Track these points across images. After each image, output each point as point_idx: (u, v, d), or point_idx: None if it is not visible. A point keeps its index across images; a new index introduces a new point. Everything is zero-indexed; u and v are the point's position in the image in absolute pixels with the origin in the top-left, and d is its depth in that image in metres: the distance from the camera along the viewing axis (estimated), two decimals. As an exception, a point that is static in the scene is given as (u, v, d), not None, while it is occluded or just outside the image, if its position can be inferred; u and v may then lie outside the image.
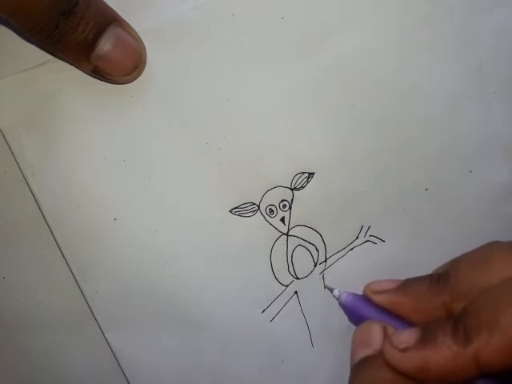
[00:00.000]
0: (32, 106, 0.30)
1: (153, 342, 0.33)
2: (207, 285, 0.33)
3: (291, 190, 0.33)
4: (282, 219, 0.33)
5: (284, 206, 0.33)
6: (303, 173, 0.32)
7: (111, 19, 0.28)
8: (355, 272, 0.34)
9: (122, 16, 0.29)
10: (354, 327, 0.33)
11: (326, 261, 0.34)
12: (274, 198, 0.33)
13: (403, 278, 0.34)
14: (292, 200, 0.33)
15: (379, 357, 0.27)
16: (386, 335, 0.27)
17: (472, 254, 0.28)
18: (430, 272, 0.30)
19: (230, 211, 0.32)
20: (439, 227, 0.33)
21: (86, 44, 0.28)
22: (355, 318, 0.30)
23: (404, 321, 0.28)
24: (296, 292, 0.34)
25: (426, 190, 0.33)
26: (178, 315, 0.33)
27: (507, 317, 0.23)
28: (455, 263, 0.28)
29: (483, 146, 0.33)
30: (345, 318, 0.32)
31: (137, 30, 0.29)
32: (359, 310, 0.30)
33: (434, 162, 0.32)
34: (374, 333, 0.28)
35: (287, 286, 0.34)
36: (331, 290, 0.32)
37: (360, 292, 0.32)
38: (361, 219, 0.33)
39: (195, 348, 0.34)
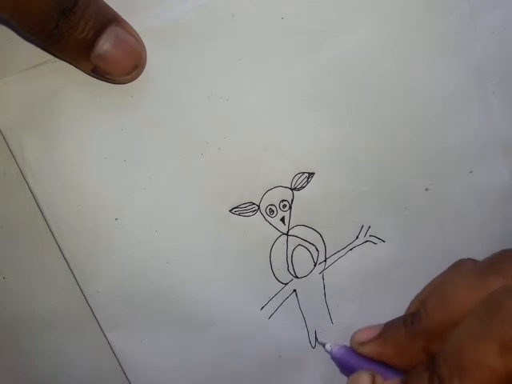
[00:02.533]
0: (32, 106, 0.30)
1: (153, 341, 0.33)
2: (207, 284, 0.33)
3: (291, 190, 0.33)
4: (282, 219, 0.33)
5: (284, 205, 0.33)
6: (303, 173, 0.32)
7: (111, 19, 0.28)
8: (355, 272, 0.34)
9: (122, 16, 0.29)
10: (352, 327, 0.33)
11: (325, 260, 0.34)
12: (274, 197, 0.33)
13: (403, 278, 0.34)
14: (292, 200, 0.33)
15: None
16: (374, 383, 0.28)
17: (439, 284, 0.28)
18: (429, 272, 0.30)
19: (230, 211, 0.32)
20: (439, 227, 0.33)
21: (86, 43, 0.28)
22: (347, 369, 0.31)
23: (391, 368, 0.28)
24: (295, 290, 0.34)
25: (426, 190, 0.33)
26: (178, 314, 0.33)
27: (471, 361, 0.23)
28: (424, 300, 0.28)
29: (483, 146, 0.33)
30: (343, 317, 0.33)
31: (137, 30, 0.29)
32: (349, 361, 0.30)
33: (434, 162, 0.33)
34: (363, 382, 0.28)
35: (286, 284, 0.34)
36: (323, 345, 0.33)
37: (359, 291, 0.33)
38: (361, 219, 0.33)
39: (196, 346, 0.34)
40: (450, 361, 0.24)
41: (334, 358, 0.32)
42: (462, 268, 0.28)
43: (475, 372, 0.23)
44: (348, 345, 0.31)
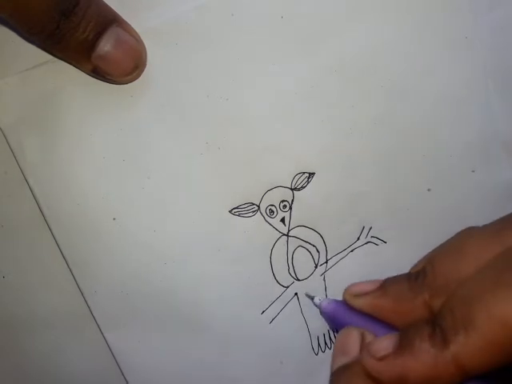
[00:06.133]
0: (32, 106, 0.30)
1: (152, 342, 0.33)
2: (207, 285, 0.33)
3: (291, 190, 0.32)
4: (283, 220, 0.33)
5: (284, 206, 0.32)
6: (303, 173, 0.32)
7: (111, 19, 0.29)
8: (356, 273, 0.33)
9: (122, 16, 0.29)
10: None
11: (326, 262, 0.33)
12: (274, 198, 0.32)
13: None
14: (292, 200, 0.33)
15: (355, 365, 0.26)
16: (364, 342, 0.27)
17: (447, 244, 0.27)
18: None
19: (230, 211, 0.32)
20: (441, 228, 0.33)
21: (87, 44, 0.28)
22: (337, 325, 0.29)
23: (386, 324, 0.27)
24: (296, 293, 0.33)
25: (428, 190, 0.33)
26: (177, 315, 0.33)
27: (481, 313, 0.22)
28: (431, 257, 0.27)
29: (485, 146, 0.32)
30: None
31: (137, 30, 0.30)
32: (340, 317, 0.29)
33: (436, 163, 0.32)
34: (351, 340, 0.27)
35: (287, 287, 0.33)
36: (312, 298, 0.32)
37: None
38: (362, 220, 0.33)
39: (194, 348, 0.33)
40: (457, 312, 0.23)
41: (323, 312, 0.30)
42: (471, 229, 0.27)
43: (484, 324, 0.22)
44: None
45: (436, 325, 0.23)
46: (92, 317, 0.33)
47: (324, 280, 0.34)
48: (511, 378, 0.25)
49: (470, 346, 0.22)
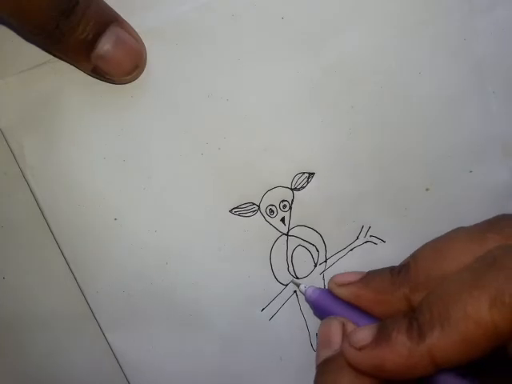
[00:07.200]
0: (32, 106, 0.30)
1: (153, 341, 0.33)
2: (207, 284, 0.33)
3: (291, 190, 0.33)
4: (282, 219, 0.33)
5: (284, 206, 0.33)
6: (303, 173, 0.32)
7: (111, 19, 0.28)
8: (355, 272, 0.34)
9: (122, 16, 0.29)
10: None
11: (326, 261, 0.34)
12: (274, 198, 0.33)
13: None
14: (292, 200, 0.33)
15: (338, 358, 0.27)
16: (345, 332, 0.28)
17: (433, 242, 0.28)
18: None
19: (230, 211, 0.32)
20: (440, 228, 0.33)
21: (86, 44, 0.28)
22: (321, 312, 0.30)
23: (367, 315, 0.28)
24: (295, 291, 0.34)
25: (427, 190, 0.33)
26: (178, 315, 0.33)
27: (457, 311, 0.23)
28: (416, 253, 0.28)
29: (483, 146, 0.33)
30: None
31: (137, 30, 0.29)
32: (324, 305, 0.30)
33: (435, 162, 0.33)
34: (334, 331, 0.28)
35: (287, 285, 0.34)
36: (298, 285, 0.32)
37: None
38: (361, 219, 0.33)
39: (195, 347, 0.34)
40: (435, 308, 0.24)
41: (308, 300, 0.31)
42: (459, 229, 0.27)
43: (460, 323, 0.23)
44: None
45: (414, 319, 0.24)
46: (92, 317, 0.33)
47: (323, 279, 0.34)
48: (481, 372, 0.26)
49: (444, 341, 0.23)
